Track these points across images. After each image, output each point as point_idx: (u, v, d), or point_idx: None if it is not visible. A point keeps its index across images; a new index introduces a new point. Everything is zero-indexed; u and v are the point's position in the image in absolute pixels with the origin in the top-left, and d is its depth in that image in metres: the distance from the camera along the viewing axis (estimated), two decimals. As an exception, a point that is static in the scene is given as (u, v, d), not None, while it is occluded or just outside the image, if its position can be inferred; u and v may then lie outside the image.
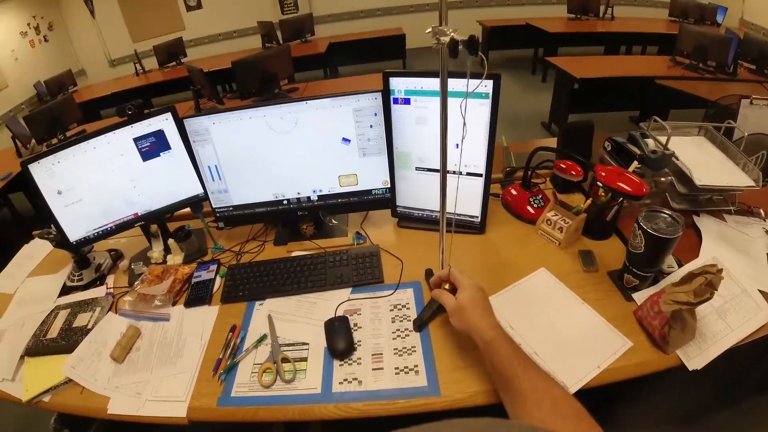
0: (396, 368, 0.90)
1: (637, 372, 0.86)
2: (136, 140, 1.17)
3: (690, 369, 0.85)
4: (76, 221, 1.17)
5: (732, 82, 3.06)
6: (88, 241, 1.21)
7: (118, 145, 1.15)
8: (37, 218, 1.16)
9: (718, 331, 0.90)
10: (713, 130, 1.32)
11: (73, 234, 1.18)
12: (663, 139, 1.18)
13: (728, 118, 1.32)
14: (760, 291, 0.96)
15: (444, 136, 0.74)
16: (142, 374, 0.95)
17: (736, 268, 1.00)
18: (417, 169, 1.20)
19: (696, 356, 0.86)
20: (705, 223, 1.17)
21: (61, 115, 3.67)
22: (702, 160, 1.21)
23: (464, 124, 0.70)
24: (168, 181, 1.25)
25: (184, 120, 1.14)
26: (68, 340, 1.04)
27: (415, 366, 0.90)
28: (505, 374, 0.72)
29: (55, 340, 1.04)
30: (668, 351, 0.86)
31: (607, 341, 0.90)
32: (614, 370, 0.86)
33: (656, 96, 3.21)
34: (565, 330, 0.93)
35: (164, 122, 1.19)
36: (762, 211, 1.21)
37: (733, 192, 1.21)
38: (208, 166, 1.20)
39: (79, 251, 1.24)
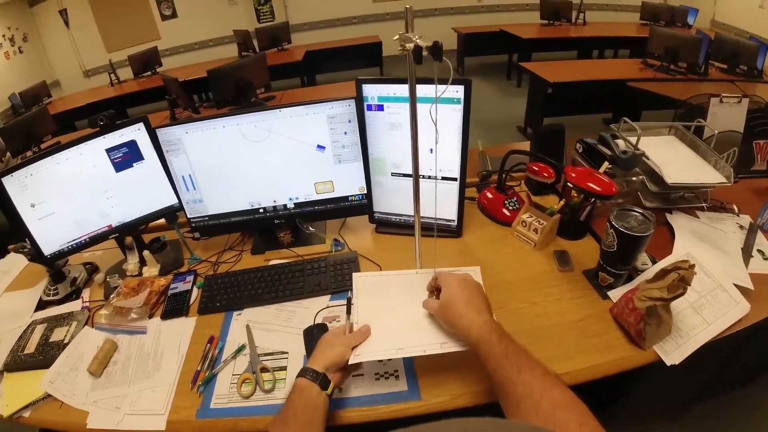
0: (376, 374, 0.90)
1: (615, 368, 0.87)
2: (109, 151, 1.16)
3: (668, 364, 0.86)
4: (50, 234, 1.16)
5: (703, 82, 3.14)
6: (62, 255, 1.19)
7: (90, 156, 1.14)
8: (12, 233, 1.15)
9: (694, 326, 0.91)
10: (683, 129, 1.34)
11: (47, 247, 1.16)
12: (633, 139, 1.20)
13: (698, 117, 1.34)
14: (736, 285, 0.97)
15: (415, 141, 0.75)
16: (120, 388, 0.94)
17: (710, 264, 1.00)
18: (392, 174, 1.21)
19: (673, 351, 0.87)
20: (677, 221, 1.19)
21: (36, 127, 3.62)
22: (673, 158, 1.23)
23: (436, 130, 0.71)
24: (142, 192, 1.24)
25: (157, 130, 1.13)
26: (45, 355, 1.03)
27: (395, 371, 0.90)
28: (497, 379, 0.65)
29: (32, 355, 1.03)
30: (645, 347, 0.87)
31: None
32: (593, 368, 0.87)
33: (629, 98, 3.28)
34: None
35: (137, 132, 1.18)
36: (735, 207, 1.23)
37: (705, 189, 1.23)
38: (182, 176, 1.19)
39: (54, 265, 1.22)
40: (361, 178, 1.23)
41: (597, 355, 0.89)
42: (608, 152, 1.20)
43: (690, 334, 0.90)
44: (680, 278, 0.79)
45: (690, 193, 1.26)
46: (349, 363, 0.78)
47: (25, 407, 0.93)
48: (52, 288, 1.22)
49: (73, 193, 1.15)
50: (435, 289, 0.86)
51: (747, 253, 1.08)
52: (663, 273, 0.83)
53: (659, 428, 1.54)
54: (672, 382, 1.19)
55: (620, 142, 1.23)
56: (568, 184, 1.05)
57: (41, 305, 1.22)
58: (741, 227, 1.18)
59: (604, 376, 0.87)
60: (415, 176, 0.79)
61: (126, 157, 1.18)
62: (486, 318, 0.73)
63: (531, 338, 0.92)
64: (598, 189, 1.00)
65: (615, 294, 0.99)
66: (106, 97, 4.97)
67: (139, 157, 1.20)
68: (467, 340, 0.73)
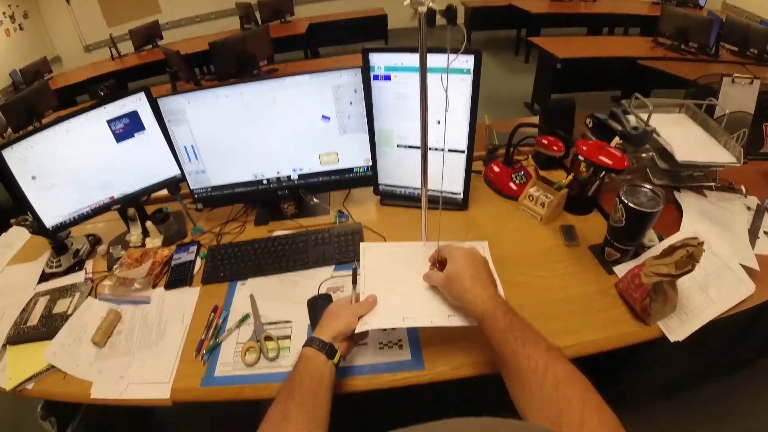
0: (380, 343, 0.90)
1: (619, 343, 0.87)
2: (110, 122, 1.14)
3: (672, 341, 0.86)
4: (52, 206, 1.15)
5: (713, 63, 3.09)
6: (64, 227, 1.19)
7: (91, 127, 1.12)
8: (15, 209, 1.15)
9: (699, 303, 0.90)
10: (694, 107, 1.31)
11: (49, 220, 1.16)
12: (644, 116, 1.17)
13: (709, 97, 1.31)
14: (742, 265, 0.96)
15: (424, 111, 0.73)
16: (123, 358, 0.94)
17: (717, 243, 0.99)
18: (398, 146, 1.19)
19: (677, 328, 0.87)
20: (685, 199, 1.18)
21: (37, 102, 3.59)
22: (683, 137, 1.21)
23: (447, 97, 0.69)
24: (143, 163, 1.22)
25: (159, 100, 1.11)
26: (49, 327, 1.02)
27: (399, 340, 0.90)
28: (501, 352, 0.65)
29: (35, 328, 1.03)
30: (650, 323, 0.87)
31: None
32: (597, 342, 0.87)
33: (638, 76, 3.23)
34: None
35: (138, 103, 1.16)
36: (743, 188, 1.22)
37: (714, 168, 1.21)
38: (185, 147, 1.17)
39: (57, 237, 1.21)
40: (366, 149, 1.21)
41: (601, 329, 0.89)
42: (619, 128, 1.18)
43: (695, 311, 0.89)
44: (689, 255, 0.78)
45: (699, 172, 1.24)
46: (356, 332, 0.77)
47: (29, 379, 0.93)
48: (55, 260, 1.22)
49: (75, 165, 1.14)
50: (437, 262, 0.85)
51: (753, 234, 1.08)
52: (671, 249, 0.81)
53: (656, 407, 1.55)
54: (673, 361, 1.20)
55: (631, 118, 1.21)
56: (579, 157, 1.03)
57: (44, 278, 1.21)
58: (748, 208, 1.16)
59: (608, 350, 0.87)
60: (424, 147, 0.77)
61: (127, 127, 1.17)
62: (491, 293, 0.73)
63: (535, 312, 0.90)
64: (610, 162, 0.98)
65: (621, 269, 0.99)
66: (107, 71, 4.88)
67: (140, 127, 1.18)
68: (472, 314, 0.73)
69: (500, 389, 0.64)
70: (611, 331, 0.88)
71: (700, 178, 1.24)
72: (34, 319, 1.05)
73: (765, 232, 1.09)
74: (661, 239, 1.05)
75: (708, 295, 0.92)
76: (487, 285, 0.75)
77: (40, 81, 4.78)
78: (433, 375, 0.84)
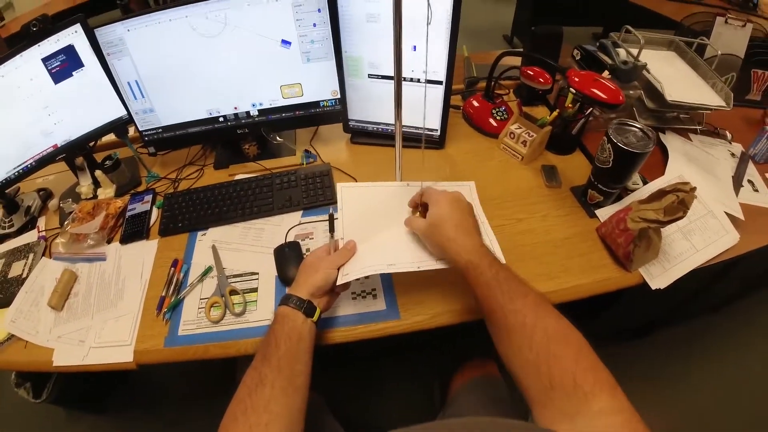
0: (353, 293, 0.87)
1: (599, 289, 0.86)
2: (45, 60, 1.01)
3: (653, 288, 0.85)
4: None
5: (698, 5, 3.01)
6: (10, 183, 1.09)
7: (26, 69, 1.00)
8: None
9: (682, 251, 0.90)
10: (684, 46, 1.26)
11: None
12: (634, 51, 1.11)
13: (701, 36, 1.26)
14: (726, 213, 0.96)
15: (398, 27, 0.62)
16: (83, 321, 0.90)
17: (702, 189, 0.96)
18: (369, 76, 1.08)
19: (659, 275, 0.87)
20: (671, 141, 1.14)
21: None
22: (672, 75, 1.16)
23: (429, 10, 0.58)
24: (86, 105, 1.10)
25: (95, 30, 0.97)
26: (5, 293, 0.97)
27: (373, 290, 0.87)
28: (487, 307, 0.61)
29: None
30: (631, 269, 0.86)
31: None
32: (577, 287, 0.86)
33: (619, 12, 3.12)
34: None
35: (74, 36, 1.02)
36: (728, 133, 1.19)
37: (702, 111, 1.18)
38: (128, 83, 1.05)
39: (4, 194, 1.13)
40: (333, 80, 1.10)
41: (581, 274, 0.88)
42: (609, 61, 1.11)
43: (678, 259, 0.89)
44: (679, 201, 0.74)
45: (685, 114, 1.21)
46: (338, 284, 0.72)
47: (-9, 352, 0.87)
48: (7, 220, 1.14)
49: (13, 114, 1.03)
50: (419, 206, 0.79)
51: (737, 182, 1.06)
52: (660, 194, 0.78)
53: (623, 347, 1.59)
54: (645, 302, 1.21)
55: (621, 52, 1.14)
56: (571, 89, 0.96)
57: (-2, 240, 1.14)
58: (732, 155, 1.14)
59: (588, 296, 0.86)
60: (397, 74, 0.68)
61: (64, 65, 1.04)
62: (476, 242, 0.68)
63: (514, 256, 0.90)
64: (604, 97, 0.91)
65: (603, 213, 0.96)
66: (60, 10, 4.43)
67: (78, 64, 1.05)
68: (455, 265, 0.68)
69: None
70: (592, 276, 0.87)
71: (685, 120, 1.21)
72: (-11, 287, 0.99)
73: (749, 181, 1.08)
74: (645, 182, 1.02)
75: (692, 243, 0.91)
76: (472, 233, 0.69)
77: (-8, 31, 4.33)
78: (408, 325, 0.82)
